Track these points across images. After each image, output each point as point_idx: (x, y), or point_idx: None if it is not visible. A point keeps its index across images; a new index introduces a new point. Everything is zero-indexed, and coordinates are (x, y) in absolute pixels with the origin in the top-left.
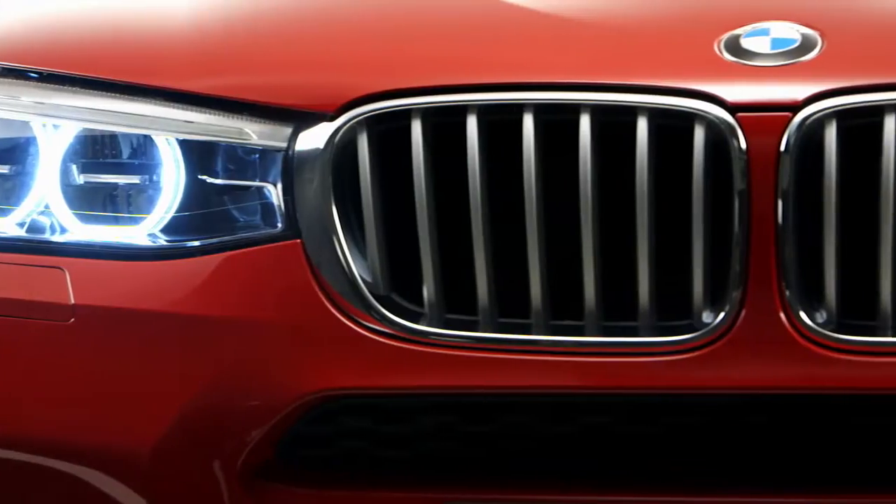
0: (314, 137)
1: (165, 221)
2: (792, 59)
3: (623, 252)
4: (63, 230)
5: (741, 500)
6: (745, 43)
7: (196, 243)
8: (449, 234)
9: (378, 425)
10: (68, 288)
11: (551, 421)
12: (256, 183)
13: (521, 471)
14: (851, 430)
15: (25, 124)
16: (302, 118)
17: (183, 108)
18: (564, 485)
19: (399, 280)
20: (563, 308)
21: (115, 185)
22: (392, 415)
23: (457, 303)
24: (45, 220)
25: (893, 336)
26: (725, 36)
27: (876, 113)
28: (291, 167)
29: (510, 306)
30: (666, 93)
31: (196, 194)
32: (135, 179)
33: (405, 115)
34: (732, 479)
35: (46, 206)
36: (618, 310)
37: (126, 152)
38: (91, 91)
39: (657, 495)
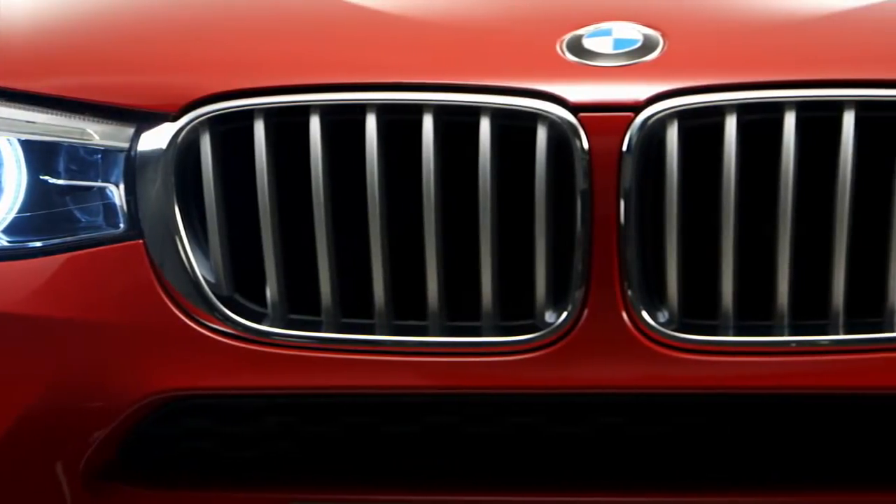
0: (156, 138)
1: (7, 222)
2: (634, 60)
3: (467, 252)
4: None
5: (589, 499)
6: (588, 43)
7: (38, 244)
8: (293, 235)
9: (224, 426)
10: None
11: (397, 421)
12: (99, 183)
13: (367, 471)
14: (697, 429)
15: None
16: (144, 118)
17: (24, 109)
18: (410, 485)
19: (243, 281)
20: (408, 308)
21: None
22: (238, 415)
23: (302, 303)
24: None
25: (735, 335)
26: (568, 36)
27: (717, 113)
28: (134, 167)
29: (356, 307)
30: (508, 93)
31: (38, 195)
32: None
33: (248, 116)
34: (580, 478)
35: None
36: (462, 310)
37: None
38: None
39: (503, 495)
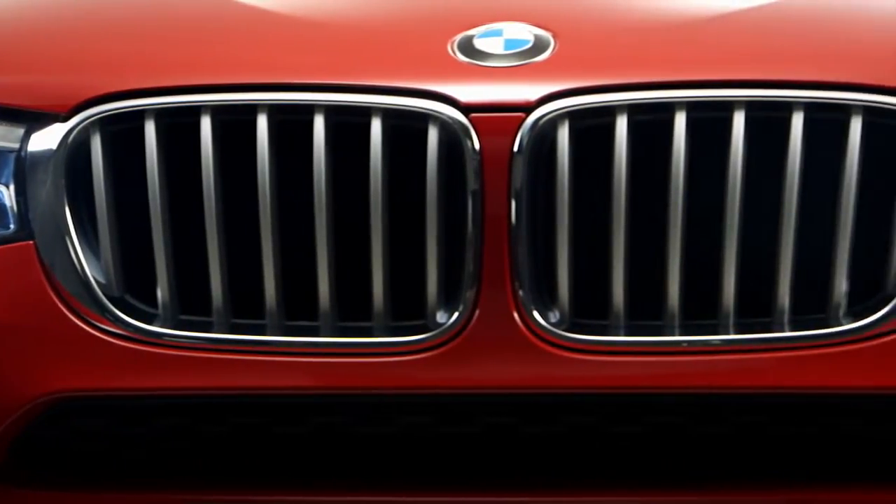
0: (47, 138)
1: None
2: (525, 60)
3: (359, 252)
4: None
5: (483, 499)
6: (479, 44)
7: None
8: (184, 235)
9: (116, 426)
10: None
11: (290, 421)
12: None
13: (259, 472)
14: (591, 429)
15: None
16: (35, 119)
17: None
18: (302, 485)
19: (134, 282)
20: (300, 309)
21: None
22: (130, 416)
23: (193, 304)
24: None
25: (626, 335)
26: (459, 37)
27: (607, 113)
28: (24, 168)
29: (248, 307)
30: (399, 93)
31: None
32: None
33: (139, 116)
34: (472, 478)
35: None
36: (354, 310)
37: None
38: None
39: (394, 495)
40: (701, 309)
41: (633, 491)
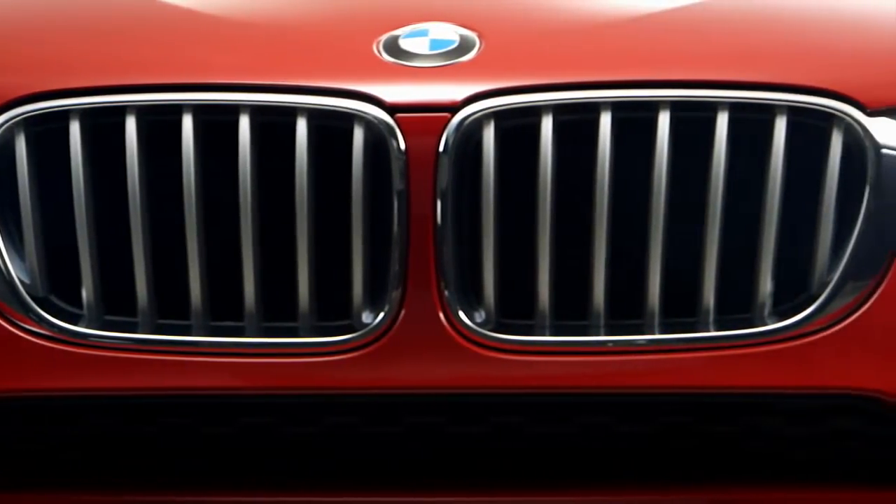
0: None
1: None
2: (450, 60)
3: (285, 252)
4: None
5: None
6: (404, 44)
7: None
8: (109, 236)
9: (41, 427)
10: None
11: (216, 422)
12: None
13: (186, 472)
14: (516, 429)
15: None
16: None
17: None
18: (231, 485)
19: (59, 282)
20: (226, 309)
21: None
22: (55, 416)
23: (119, 305)
24: None
25: (551, 335)
26: (384, 37)
27: (533, 114)
28: None
29: (174, 308)
30: (325, 93)
31: None
32: None
33: (63, 117)
34: (400, 478)
35: None
36: (280, 311)
37: None
38: None
39: (320, 495)
40: (626, 309)
41: (557, 491)
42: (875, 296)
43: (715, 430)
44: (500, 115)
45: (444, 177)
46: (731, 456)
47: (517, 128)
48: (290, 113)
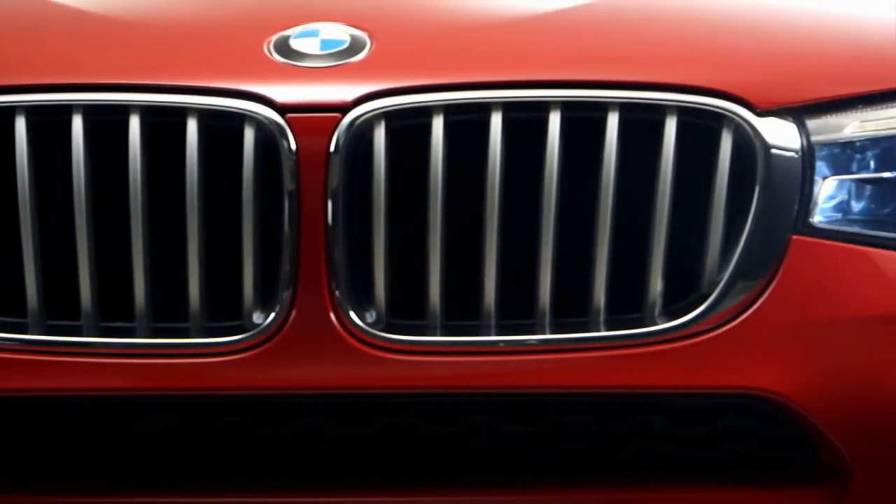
0: None
1: None
2: (341, 61)
3: (176, 252)
4: None
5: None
6: (295, 44)
7: None
8: None
9: None
10: None
11: (110, 423)
12: None
13: (81, 474)
14: (408, 429)
15: None
16: None
17: None
18: (121, 487)
19: None
20: (117, 310)
21: None
22: None
23: (8, 306)
24: None
25: (442, 336)
26: (275, 37)
27: (424, 114)
28: None
29: (65, 308)
30: (215, 94)
31: None
32: None
33: None
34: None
35: None
36: (171, 311)
37: None
38: None
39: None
40: (518, 309)
41: (445, 490)
42: (765, 295)
43: (606, 430)
44: (390, 116)
45: (335, 177)
46: (624, 456)
47: (409, 128)
48: (181, 113)
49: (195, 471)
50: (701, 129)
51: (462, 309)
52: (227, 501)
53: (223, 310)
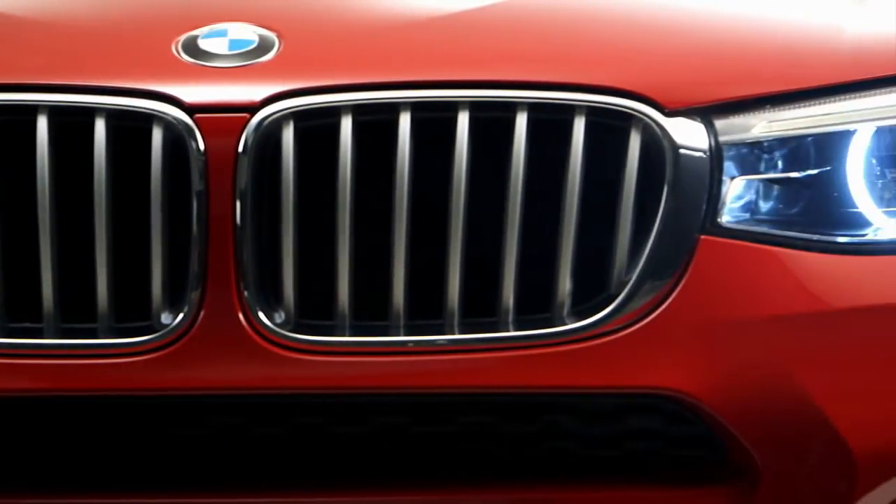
0: None
1: None
2: (249, 61)
3: (83, 253)
4: None
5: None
6: (203, 44)
7: None
8: None
9: None
10: None
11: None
12: None
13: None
14: (317, 429)
15: None
16: None
17: None
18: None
19: None
20: (25, 310)
21: None
22: None
23: None
24: None
25: (351, 336)
26: (183, 37)
27: (332, 114)
28: None
29: None
30: (123, 94)
31: None
32: None
33: None
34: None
35: None
36: (79, 312)
37: None
38: None
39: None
40: (428, 309)
41: (358, 491)
42: (673, 295)
43: (515, 430)
44: (298, 116)
45: (244, 177)
46: (532, 456)
47: (319, 128)
48: (89, 113)
49: (104, 472)
50: (610, 130)
51: (372, 309)
52: (138, 502)
53: (132, 310)
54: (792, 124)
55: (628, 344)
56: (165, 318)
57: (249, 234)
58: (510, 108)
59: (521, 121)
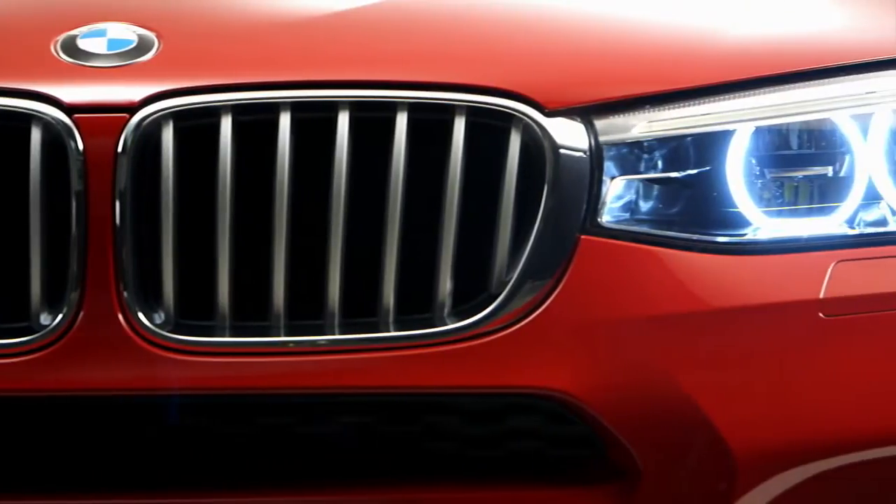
0: None
1: None
2: (129, 60)
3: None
4: None
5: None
6: (82, 44)
7: None
8: None
9: None
10: None
11: None
12: None
13: None
14: (200, 430)
15: None
16: None
17: None
18: None
19: None
20: None
21: None
22: None
23: None
24: None
25: (231, 336)
26: (62, 37)
27: (212, 114)
28: None
29: None
30: (1, 94)
31: None
32: None
33: None
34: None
35: None
36: None
37: None
38: None
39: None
40: (309, 310)
41: (241, 492)
42: (553, 295)
43: (396, 431)
44: (178, 116)
45: (123, 178)
46: (413, 456)
47: (201, 127)
48: None
49: None
50: (490, 130)
51: (254, 310)
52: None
53: (12, 311)
54: (672, 124)
55: (509, 344)
56: (45, 319)
57: (129, 235)
58: (390, 108)
59: (402, 121)
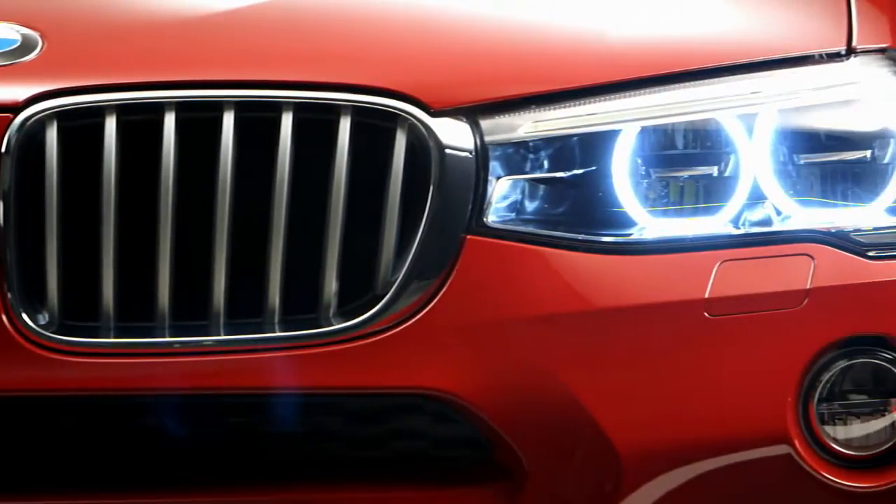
0: None
1: None
2: (12, 60)
3: None
4: None
5: None
6: None
7: None
8: None
9: None
10: None
11: None
12: None
13: None
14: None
15: None
16: None
17: None
18: None
19: None
20: None
21: None
22: None
23: None
24: None
25: (115, 337)
26: None
27: (96, 114)
28: None
29: None
30: None
31: None
32: None
33: None
34: None
35: None
36: None
37: None
38: None
39: None
40: (195, 310)
41: (120, 493)
42: (439, 295)
43: (280, 431)
44: (62, 116)
45: (6, 178)
46: (298, 456)
47: (86, 128)
48: None
49: None
50: (376, 130)
51: (139, 310)
52: None
53: None
54: (557, 124)
55: (394, 344)
56: None
57: (13, 236)
58: (276, 108)
59: (287, 121)
